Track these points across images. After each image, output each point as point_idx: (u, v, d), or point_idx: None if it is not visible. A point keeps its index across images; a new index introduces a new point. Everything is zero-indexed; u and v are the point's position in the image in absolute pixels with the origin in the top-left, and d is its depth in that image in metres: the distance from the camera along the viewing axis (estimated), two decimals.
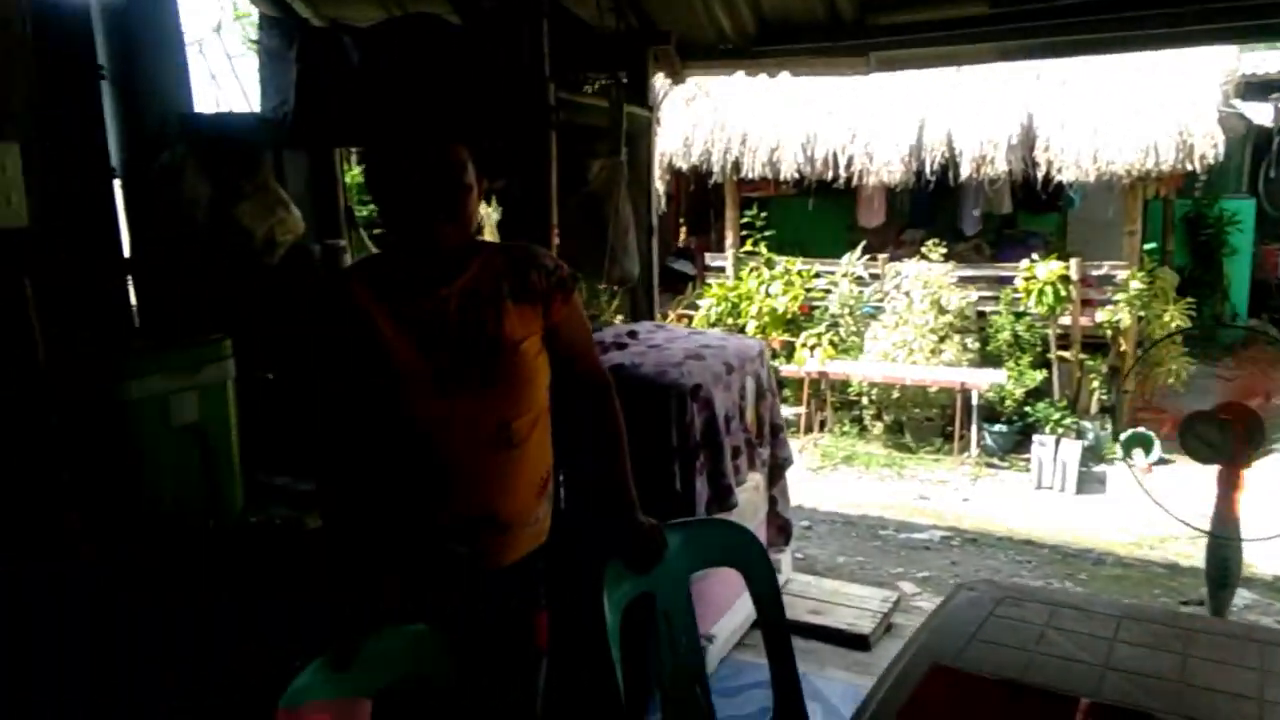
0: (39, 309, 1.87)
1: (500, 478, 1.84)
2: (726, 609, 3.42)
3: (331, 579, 1.75)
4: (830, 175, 7.71)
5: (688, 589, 2.15)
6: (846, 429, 7.45)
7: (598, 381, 2.05)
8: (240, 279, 3.63)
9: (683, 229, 9.86)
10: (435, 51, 3.56)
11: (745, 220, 8.43)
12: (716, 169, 8.03)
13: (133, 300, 3.56)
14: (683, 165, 8.12)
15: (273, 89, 4.02)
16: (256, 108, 4.06)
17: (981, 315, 7.43)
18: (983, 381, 6.79)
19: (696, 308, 8.09)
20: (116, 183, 3.57)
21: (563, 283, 1.94)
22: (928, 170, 7.38)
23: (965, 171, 7.25)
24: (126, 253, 3.62)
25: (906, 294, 7.40)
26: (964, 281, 7.46)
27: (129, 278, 3.54)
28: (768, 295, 7.67)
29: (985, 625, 1.94)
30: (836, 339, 7.58)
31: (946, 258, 7.58)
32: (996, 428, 6.94)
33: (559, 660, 2.13)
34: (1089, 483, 6.34)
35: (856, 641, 3.65)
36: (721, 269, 8.55)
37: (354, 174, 5.56)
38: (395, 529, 1.81)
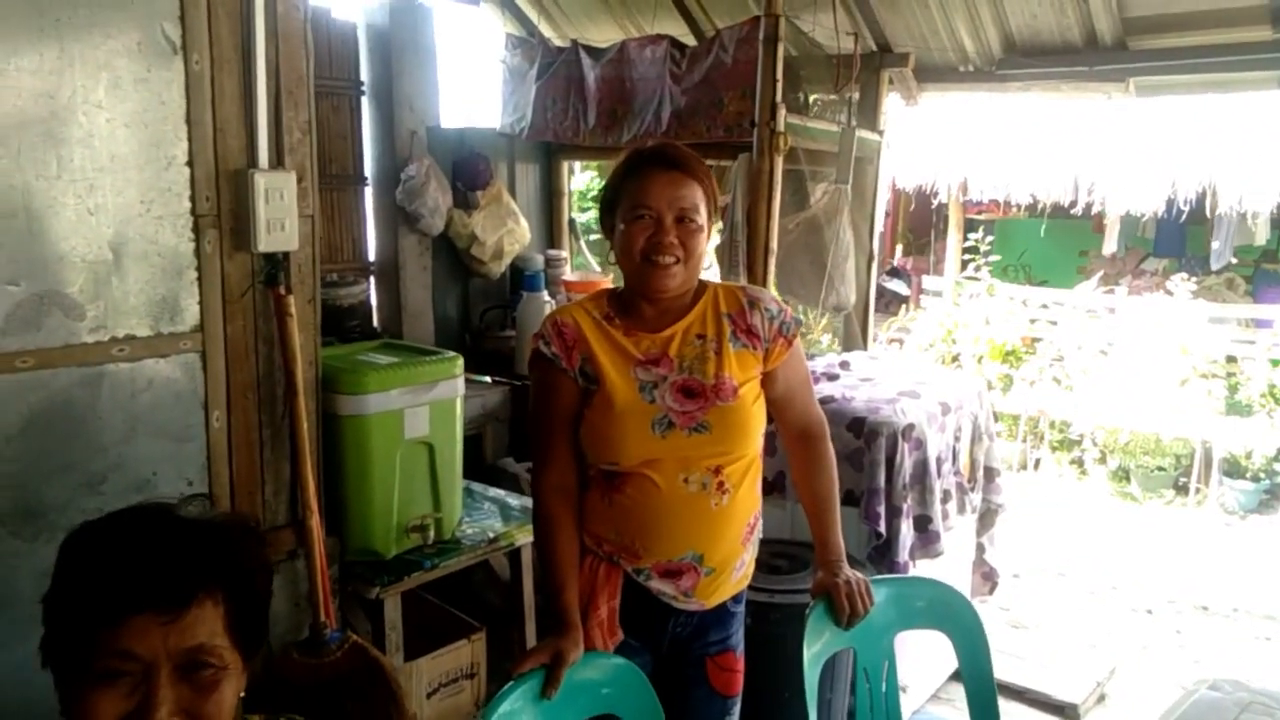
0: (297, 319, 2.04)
1: (710, 523, 1.83)
2: (923, 657, 3.28)
3: (543, 613, 1.80)
4: (1069, 199, 7.24)
5: (891, 647, 2.08)
6: (1063, 471, 6.97)
7: (813, 428, 2.01)
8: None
9: (898, 246, 9.55)
10: (668, 72, 3.62)
11: (969, 245, 8.06)
12: (942, 188, 7.71)
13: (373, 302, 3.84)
14: (905, 184, 7.85)
15: (512, 104, 4.22)
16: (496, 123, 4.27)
17: (1231, 359, 6.75)
18: (1229, 434, 6.16)
19: (909, 331, 7.81)
20: (367, 190, 3.86)
21: (786, 326, 1.91)
22: (1180, 199, 6.78)
23: (1225, 202, 6.61)
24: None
25: (1145, 331, 6.83)
26: (1213, 322, 6.80)
27: (371, 281, 3.82)
28: (987, 323, 7.29)
29: None
30: (1061, 375, 7.10)
31: (1194, 294, 6.95)
32: (1240, 484, 6.28)
33: (751, 706, 2.11)
34: None
35: (1064, 710, 3.42)
36: (939, 293, 8.22)
37: (587, 187, 5.71)
38: (604, 565, 1.85)
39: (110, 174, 1.76)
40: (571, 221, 4.62)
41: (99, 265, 1.74)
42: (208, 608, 1.05)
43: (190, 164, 1.84)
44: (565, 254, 4.44)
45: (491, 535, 2.37)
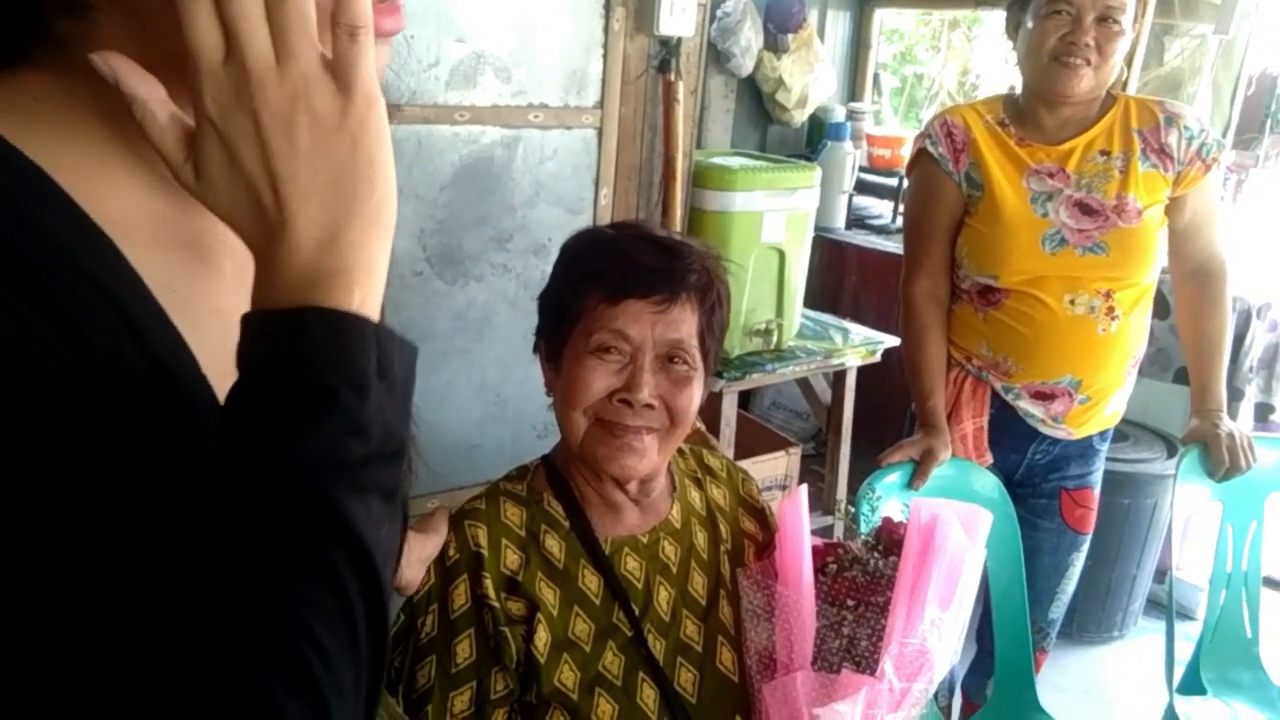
0: None
1: (1093, 348, 1.77)
2: None
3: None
4: None
5: (1261, 509, 1.96)
6: None
7: (1214, 266, 1.87)
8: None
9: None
10: None
11: None
12: None
13: None
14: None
15: None
16: None
17: None
18: None
19: None
20: None
21: (1206, 149, 1.76)
22: None
23: None
24: None
25: None
26: None
27: None
28: None
29: None
30: None
31: None
32: None
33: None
34: None
35: None
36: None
37: (901, 51, 5.43)
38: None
39: None
40: (876, 75, 4.45)
41: (526, 33, 1.83)
42: (688, 310, 1.14)
43: None
44: (866, 109, 4.29)
45: (824, 351, 2.39)
